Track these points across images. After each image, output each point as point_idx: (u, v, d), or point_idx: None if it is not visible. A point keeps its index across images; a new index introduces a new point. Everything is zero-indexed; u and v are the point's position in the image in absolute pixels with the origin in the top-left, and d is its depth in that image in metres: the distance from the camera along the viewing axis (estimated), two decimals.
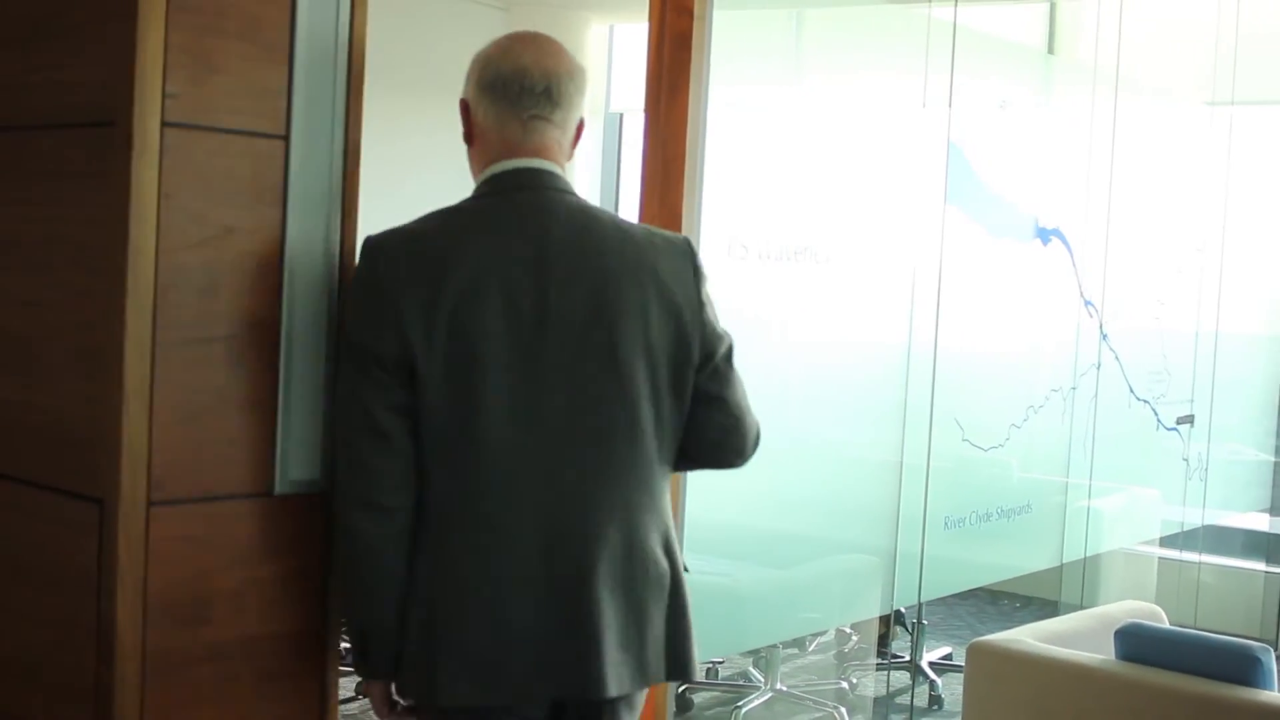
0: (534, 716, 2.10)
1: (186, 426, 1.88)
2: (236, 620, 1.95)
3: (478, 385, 2.02)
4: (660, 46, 2.82)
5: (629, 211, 8.53)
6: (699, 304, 2.17)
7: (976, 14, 3.76)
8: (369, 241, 2.03)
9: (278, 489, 1.97)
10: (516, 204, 2.13)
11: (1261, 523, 6.12)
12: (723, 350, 2.19)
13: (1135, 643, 3.08)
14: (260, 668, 1.98)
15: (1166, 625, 3.49)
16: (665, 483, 2.19)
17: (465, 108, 2.16)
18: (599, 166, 8.43)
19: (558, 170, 2.17)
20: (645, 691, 2.22)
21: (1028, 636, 3.25)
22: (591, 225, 2.15)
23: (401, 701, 2.11)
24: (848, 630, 5.20)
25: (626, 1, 8.03)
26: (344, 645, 2.10)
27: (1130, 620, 3.17)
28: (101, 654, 1.85)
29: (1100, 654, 3.17)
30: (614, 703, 2.12)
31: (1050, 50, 6.71)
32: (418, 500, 2.03)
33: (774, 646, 4.75)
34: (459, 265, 2.03)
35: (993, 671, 3.19)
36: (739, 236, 3.05)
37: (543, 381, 2.06)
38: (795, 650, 5.07)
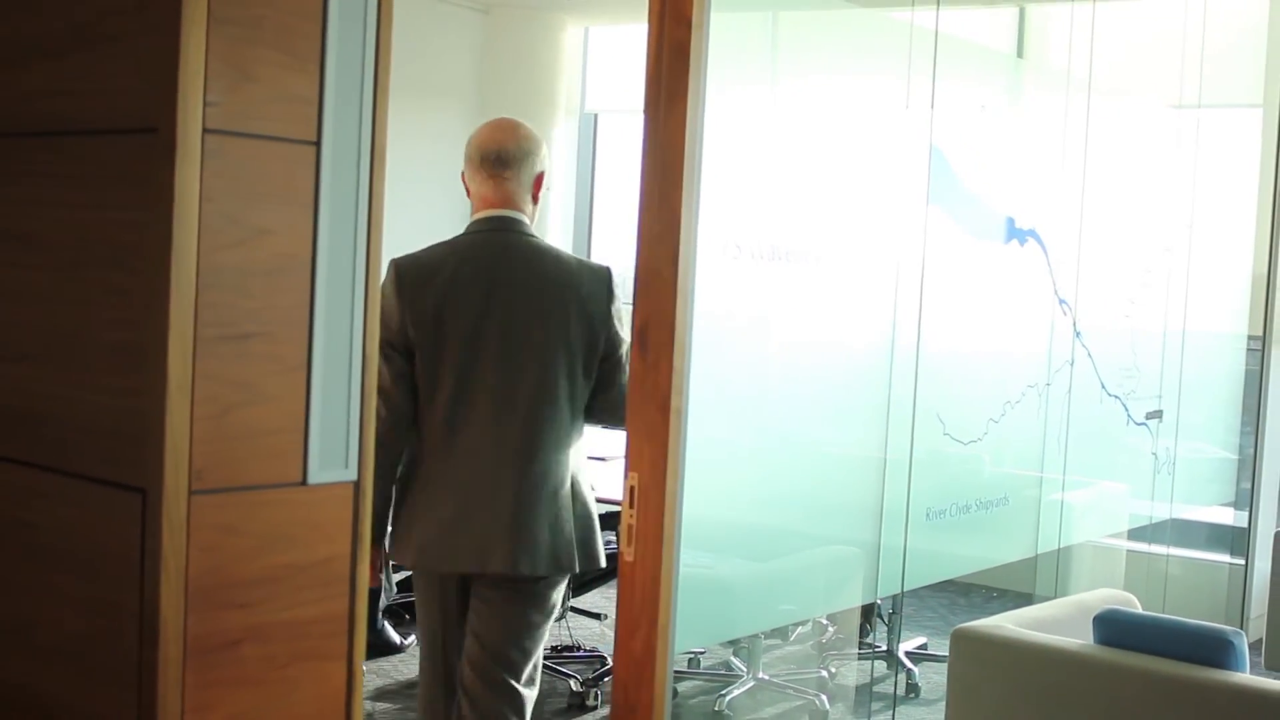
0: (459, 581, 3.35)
1: (224, 419, 1.96)
2: (271, 604, 2.03)
3: (445, 362, 3.25)
4: (659, 55, 2.92)
5: (620, 210, 8.66)
6: (607, 315, 3.33)
7: (949, 19, 3.87)
8: (393, 261, 3.26)
9: (310, 479, 2.06)
10: (487, 240, 3.34)
11: (1226, 516, 6.28)
12: (622, 350, 3.34)
13: (1113, 628, 3.20)
14: (293, 650, 2.07)
15: (1142, 611, 3.61)
16: (576, 434, 3.36)
17: (464, 177, 3.41)
18: (574, 164, 8.53)
19: (519, 215, 3.37)
20: (562, 581, 3.46)
21: (1009, 623, 3.37)
22: (535, 256, 3.35)
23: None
24: (824, 621, 5.32)
25: (602, 5, 8.14)
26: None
27: (1108, 606, 3.29)
28: (144, 637, 1.93)
29: (1078, 639, 3.29)
30: (520, 580, 3.31)
31: (1019, 54, 6.85)
32: (418, 434, 3.29)
33: (756, 637, 4.87)
34: (441, 282, 3.26)
35: (976, 656, 3.30)
36: (733, 237, 3.16)
37: (487, 362, 3.25)
38: (779, 640, 5.19)
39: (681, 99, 2.91)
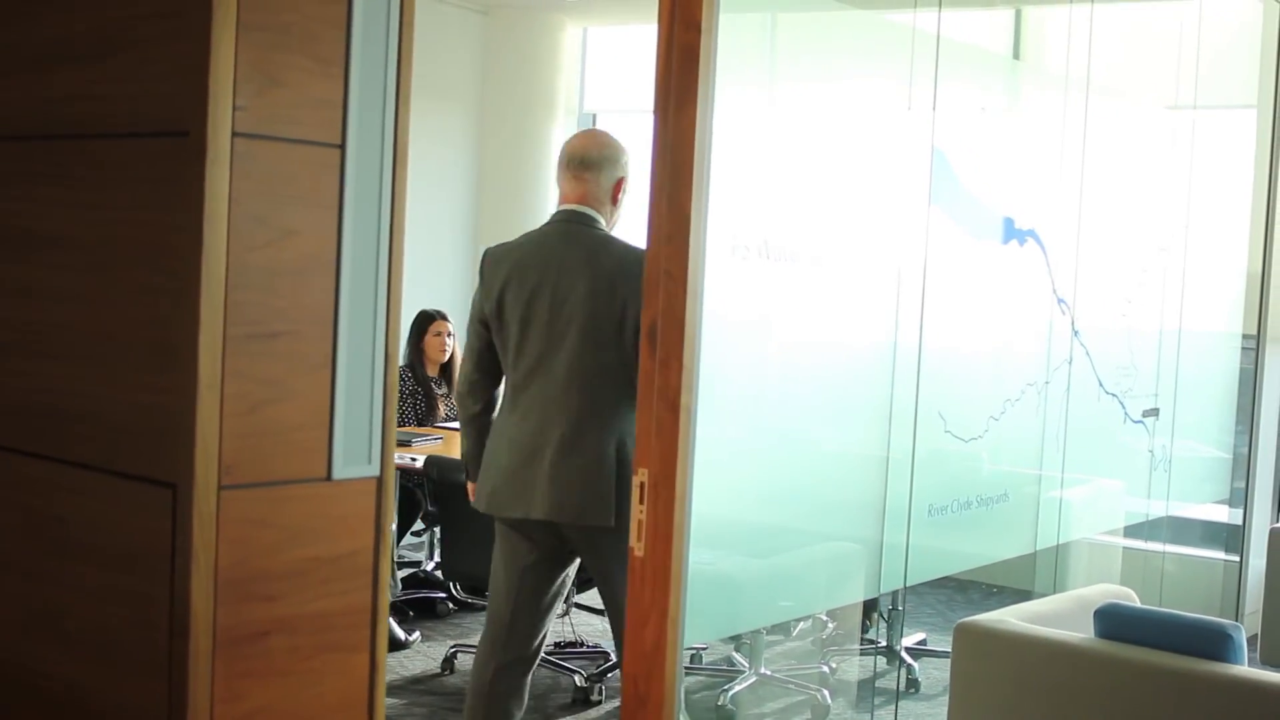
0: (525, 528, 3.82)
1: (252, 416, 2.01)
2: (296, 597, 2.08)
3: (508, 334, 3.80)
4: (669, 58, 2.97)
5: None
6: (639, 296, 3.28)
7: (947, 20, 3.92)
8: (486, 250, 3.92)
9: (334, 474, 2.11)
10: (555, 230, 3.85)
11: (1221, 514, 6.34)
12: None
13: (1113, 621, 3.26)
14: (318, 641, 2.12)
15: (1142, 605, 3.67)
16: (613, 398, 3.71)
17: (557, 178, 3.89)
18: None
19: (590, 211, 3.82)
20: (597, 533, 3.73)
21: (1011, 617, 3.43)
22: (598, 246, 3.79)
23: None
24: (823, 617, 5.37)
25: (600, 6, 8.19)
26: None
27: (1109, 600, 3.34)
28: (175, 629, 1.98)
29: (1079, 633, 3.34)
30: (558, 526, 3.76)
31: (1016, 56, 6.91)
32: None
33: (758, 632, 4.92)
34: (508, 265, 3.83)
35: (979, 650, 3.36)
36: (740, 238, 3.21)
37: (537, 333, 3.74)
38: (780, 636, 5.24)
39: (691, 102, 2.96)
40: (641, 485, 3.02)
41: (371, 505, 2.17)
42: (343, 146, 2.09)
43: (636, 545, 3.04)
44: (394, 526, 6.00)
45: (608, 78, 8.79)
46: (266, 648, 2.06)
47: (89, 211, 2.06)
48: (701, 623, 3.33)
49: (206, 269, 1.94)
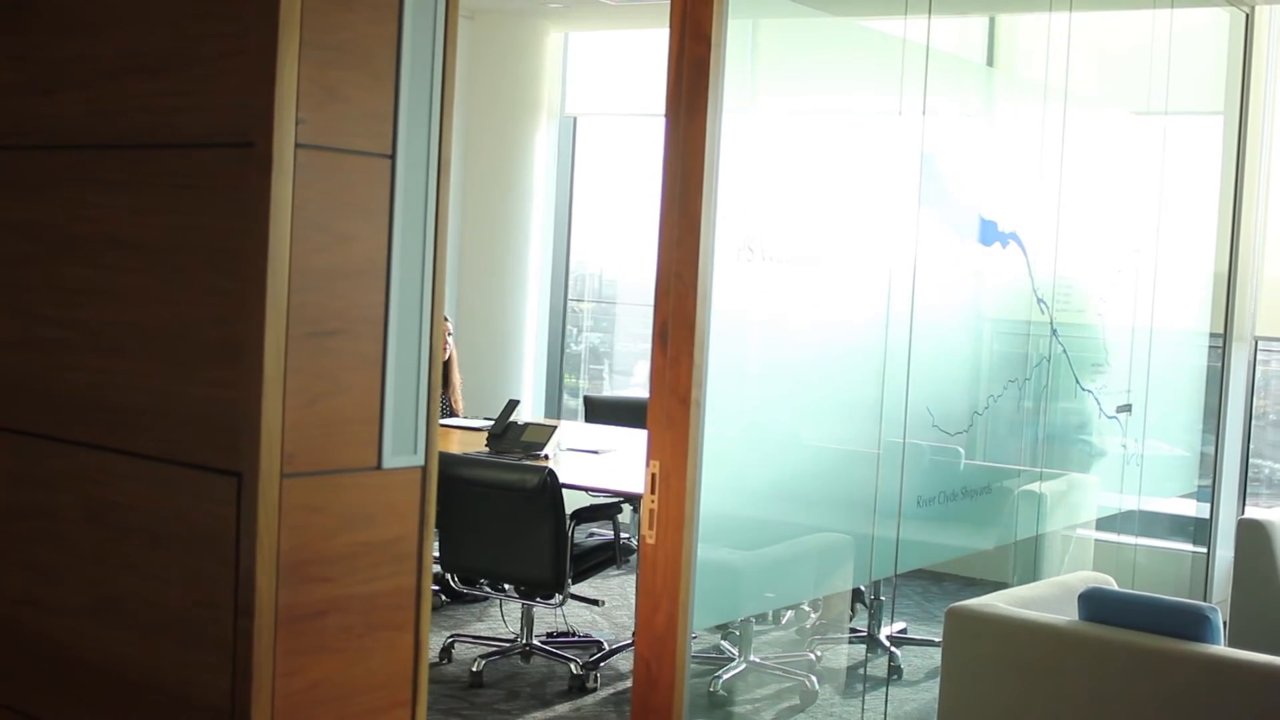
0: None
1: (310, 409, 2.15)
2: (349, 579, 2.22)
3: None
4: (679, 69, 3.12)
5: (598, 209, 8.85)
6: None
7: (923, 29, 4.06)
8: None
9: (384, 464, 2.25)
10: None
11: (1189, 507, 6.53)
12: None
13: (1097, 605, 3.43)
14: (368, 620, 2.26)
15: (1123, 590, 3.84)
16: None
17: None
18: (554, 166, 8.71)
19: None
20: None
21: (1000, 601, 3.59)
22: None
23: None
24: (805, 608, 5.53)
25: (582, 12, 8.33)
26: None
27: (1093, 585, 3.52)
28: (240, 608, 2.11)
29: (1064, 616, 3.51)
30: None
31: (990, 64, 7.08)
32: None
33: (747, 621, 5.08)
34: None
35: (969, 632, 3.52)
36: (747, 241, 3.36)
37: None
38: (772, 625, 5.40)
39: (701, 112, 3.11)
40: (653, 476, 3.16)
41: (417, 493, 2.31)
42: (393, 157, 2.23)
43: (648, 534, 3.19)
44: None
45: (589, 82, 8.95)
46: (322, 626, 2.19)
47: (159, 217, 2.19)
48: (705, 609, 3.48)
49: (272, 271, 2.07)
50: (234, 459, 2.12)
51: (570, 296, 8.99)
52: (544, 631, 5.60)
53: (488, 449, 5.73)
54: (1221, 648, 3.27)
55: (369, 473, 2.24)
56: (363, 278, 2.20)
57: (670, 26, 3.14)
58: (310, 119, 2.11)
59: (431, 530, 2.37)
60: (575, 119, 8.85)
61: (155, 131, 2.20)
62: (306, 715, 2.20)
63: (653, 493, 3.16)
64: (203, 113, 2.14)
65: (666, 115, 3.16)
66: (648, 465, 3.16)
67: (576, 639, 5.61)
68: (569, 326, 9.02)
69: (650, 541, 3.18)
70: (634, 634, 5.60)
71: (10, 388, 2.40)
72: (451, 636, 5.56)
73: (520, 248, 8.34)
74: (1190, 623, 3.30)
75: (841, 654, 5.44)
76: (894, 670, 5.39)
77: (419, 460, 2.31)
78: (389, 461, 2.26)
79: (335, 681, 2.24)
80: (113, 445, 2.27)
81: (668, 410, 3.13)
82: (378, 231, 2.22)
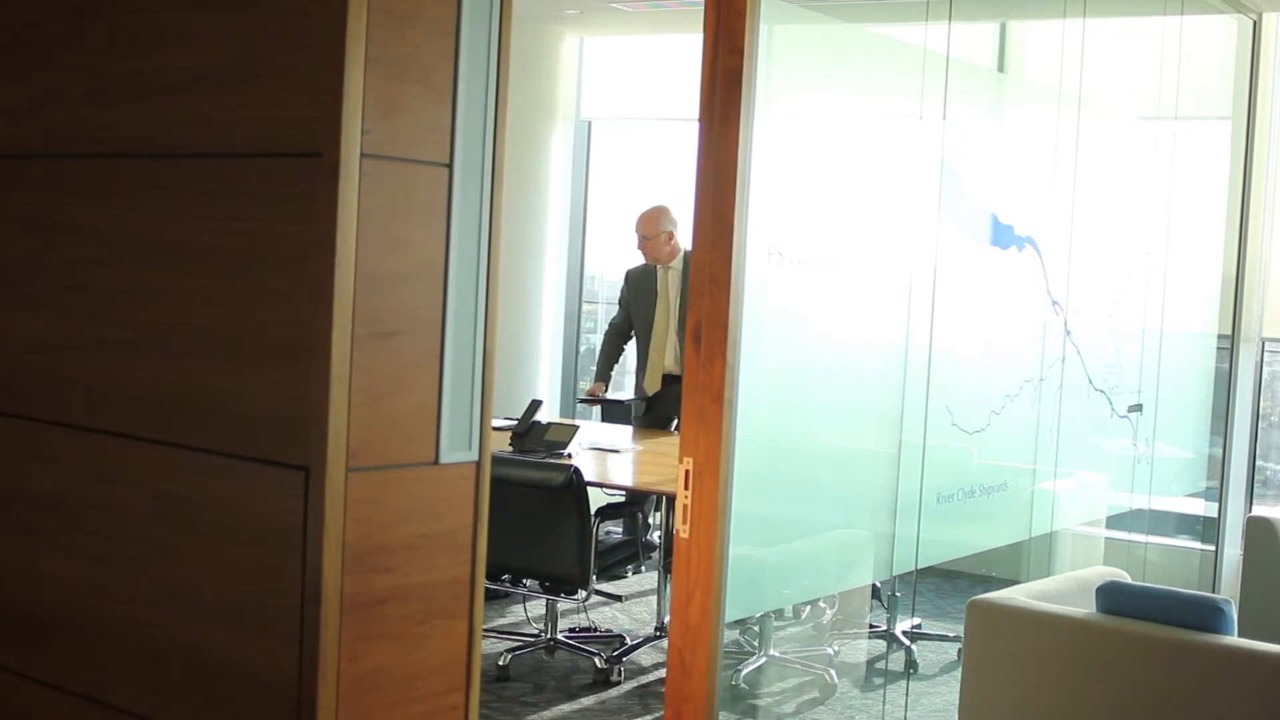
0: None
1: (373, 406, 2.25)
2: (409, 569, 2.33)
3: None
4: (713, 79, 3.22)
5: (612, 212, 8.97)
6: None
7: (942, 36, 4.15)
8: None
9: (441, 459, 2.36)
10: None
11: (1197, 506, 6.64)
12: None
13: (1114, 598, 3.53)
14: (427, 609, 2.36)
15: (1139, 583, 3.95)
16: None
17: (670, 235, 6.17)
18: (569, 170, 8.82)
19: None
20: None
21: (1019, 595, 3.70)
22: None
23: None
24: (821, 604, 5.64)
25: (597, 18, 8.43)
26: None
27: (1110, 579, 3.62)
28: (307, 595, 2.21)
29: (1082, 609, 3.62)
30: None
31: (1000, 69, 7.19)
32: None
33: (766, 616, 5.18)
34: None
35: (990, 624, 3.63)
36: (775, 244, 3.47)
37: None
38: (791, 620, 5.51)
39: (734, 120, 3.22)
40: (687, 472, 3.27)
41: (471, 487, 2.42)
42: (450, 166, 2.34)
43: (682, 528, 3.29)
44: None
45: (604, 87, 9.06)
46: (384, 614, 2.30)
47: (229, 223, 2.30)
48: (732, 602, 3.58)
49: (338, 275, 2.18)
50: (302, 454, 2.22)
51: (585, 299, 9.10)
52: (565, 627, 5.71)
53: (511, 448, 5.83)
54: (1235, 638, 3.37)
55: (427, 467, 2.35)
56: (422, 281, 2.31)
57: (704, 37, 3.24)
58: (374, 130, 2.21)
59: (485, 523, 2.47)
60: (590, 123, 8.97)
61: (225, 142, 2.30)
62: (369, 699, 2.30)
63: (686, 488, 3.26)
64: (273, 124, 2.25)
65: (700, 122, 3.27)
66: (681, 462, 3.26)
67: (599, 634, 5.71)
68: (584, 329, 9.13)
69: (684, 536, 3.28)
70: (655, 628, 5.74)
71: (82, 388, 2.51)
72: None
73: (536, 251, 8.46)
74: (1205, 614, 3.40)
75: (859, 649, 5.54)
76: (910, 665, 5.49)
77: (474, 456, 2.41)
78: (446, 457, 2.37)
79: (396, 666, 2.34)
80: (182, 442, 2.37)
81: (701, 408, 3.24)
82: (436, 237, 2.33)
